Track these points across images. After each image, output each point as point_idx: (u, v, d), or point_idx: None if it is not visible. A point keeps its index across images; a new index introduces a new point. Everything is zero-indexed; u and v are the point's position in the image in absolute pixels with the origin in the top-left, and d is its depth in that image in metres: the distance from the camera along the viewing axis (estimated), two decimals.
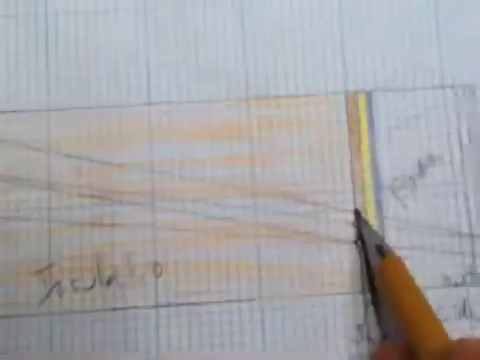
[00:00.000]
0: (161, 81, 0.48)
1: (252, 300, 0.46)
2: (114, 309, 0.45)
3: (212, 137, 0.48)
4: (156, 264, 0.46)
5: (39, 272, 0.45)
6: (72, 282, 0.45)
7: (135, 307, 0.45)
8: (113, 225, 0.46)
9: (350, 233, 0.47)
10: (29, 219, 0.46)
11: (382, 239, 0.46)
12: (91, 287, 0.45)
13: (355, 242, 0.47)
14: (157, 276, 0.46)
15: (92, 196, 0.46)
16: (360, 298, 0.46)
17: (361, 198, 0.47)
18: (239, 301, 0.46)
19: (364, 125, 0.48)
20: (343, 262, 0.46)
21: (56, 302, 0.45)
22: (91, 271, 0.45)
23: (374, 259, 0.45)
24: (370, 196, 0.47)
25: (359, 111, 0.49)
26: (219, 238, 0.46)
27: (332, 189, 0.47)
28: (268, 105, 0.48)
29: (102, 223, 0.46)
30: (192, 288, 0.46)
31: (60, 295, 0.45)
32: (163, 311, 0.45)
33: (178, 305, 0.45)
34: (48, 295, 0.45)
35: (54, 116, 0.47)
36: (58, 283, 0.45)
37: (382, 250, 0.45)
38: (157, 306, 0.45)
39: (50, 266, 0.45)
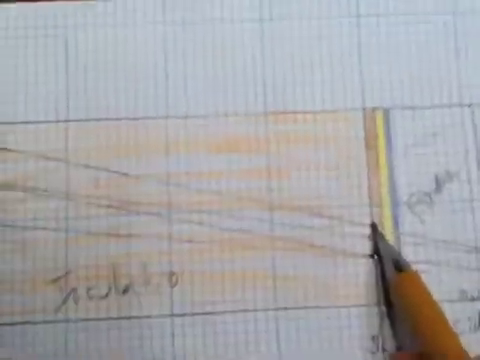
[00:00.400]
0: (179, 95, 0.49)
1: (267, 310, 0.46)
2: (130, 317, 0.45)
3: (229, 150, 0.48)
4: (171, 274, 0.46)
5: (56, 280, 0.46)
6: (88, 290, 0.45)
7: (150, 316, 0.45)
8: (130, 235, 0.46)
9: (366, 247, 0.47)
10: (47, 228, 0.46)
11: (399, 253, 0.46)
12: (106, 295, 0.45)
13: (371, 256, 0.47)
14: (172, 285, 0.46)
15: (109, 206, 0.47)
16: (375, 310, 0.46)
17: (378, 213, 0.47)
18: (255, 311, 0.46)
19: (381, 142, 0.49)
20: (358, 275, 0.46)
21: (72, 309, 0.45)
22: (107, 279, 0.46)
23: (390, 273, 0.45)
24: (387, 211, 0.47)
25: (377, 128, 0.49)
26: (234, 250, 0.46)
27: (349, 204, 0.47)
28: (285, 120, 0.49)
29: (118, 233, 0.46)
30: (207, 298, 0.46)
31: (76, 302, 0.45)
32: (178, 320, 0.45)
33: (193, 314, 0.45)
34: (64, 302, 0.45)
35: (72, 127, 0.48)
36: (74, 290, 0.45)
37: (399, 265, 0.45)
38: (172, 315, 0.45)
39: (66, 274, 0.46)
